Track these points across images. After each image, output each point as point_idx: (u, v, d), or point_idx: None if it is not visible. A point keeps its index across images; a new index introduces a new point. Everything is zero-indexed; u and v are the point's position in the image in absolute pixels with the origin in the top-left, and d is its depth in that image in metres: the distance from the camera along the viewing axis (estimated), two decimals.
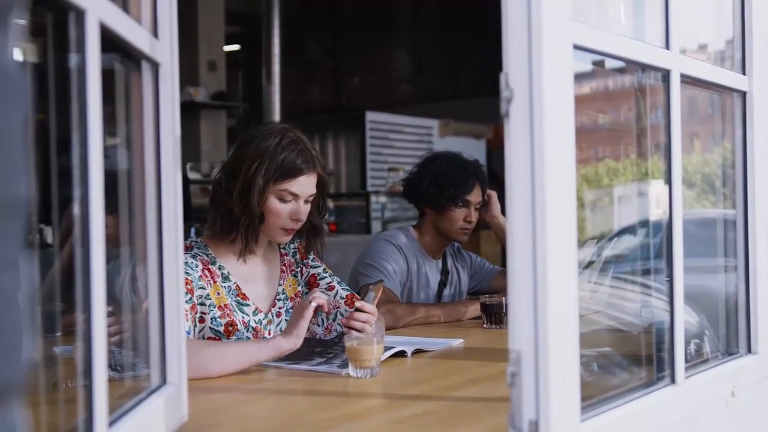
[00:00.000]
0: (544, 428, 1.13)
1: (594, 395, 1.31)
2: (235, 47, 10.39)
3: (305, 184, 2.16)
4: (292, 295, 2.32)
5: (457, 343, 2.29)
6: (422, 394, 1.69)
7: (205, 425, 1.45)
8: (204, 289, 2.10)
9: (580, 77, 1.24)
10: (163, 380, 1.33)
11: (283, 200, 2.15)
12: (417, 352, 2.12)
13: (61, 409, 1.13)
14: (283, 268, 2.32)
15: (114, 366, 1.27)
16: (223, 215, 2.15)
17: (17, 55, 0.59)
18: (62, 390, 1.20)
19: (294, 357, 2.01)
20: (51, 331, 1.83)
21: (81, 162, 0.96)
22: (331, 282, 2.34)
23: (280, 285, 2.30)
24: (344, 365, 1.87)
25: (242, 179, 2.11)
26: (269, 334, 2.22)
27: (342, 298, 2.30)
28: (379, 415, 1.57)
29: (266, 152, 2.12)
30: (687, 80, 1.53)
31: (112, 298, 1.10)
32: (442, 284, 3.07)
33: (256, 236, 2.18)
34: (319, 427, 1.46)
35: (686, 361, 1.50)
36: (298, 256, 2.36)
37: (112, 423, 1.06)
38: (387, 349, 1.99)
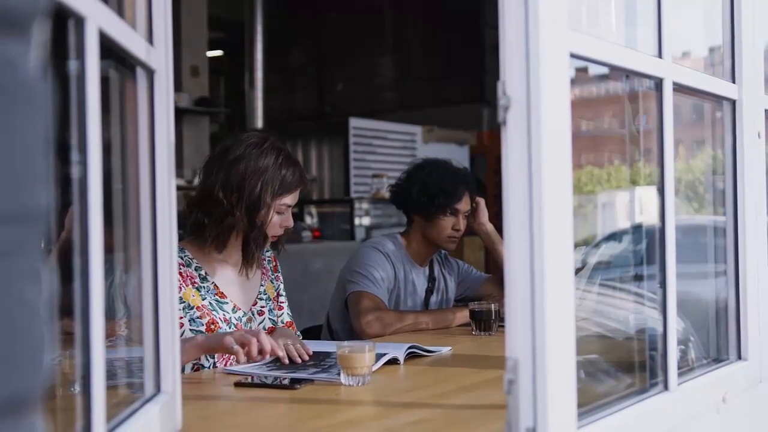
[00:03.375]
0: None
1: (589, 402, 1.31)
2: (218, 53, 10.37)
3: (297, 195, 2.28)
4: (273, 296, 2.40)
5: (446, 350, 2.29)
6: (415, 402, 1.68)
7: None
8: None
9: None
10: (158, 389, 1.32)
11: (279, 212, 2.24)
12: (410, 356, 2.13)
13: (57, 418, 1.12)
14: (264, 270, 2.40)
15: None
16: (227, 230, 2.21)
17: (39, 65, 0.59)
18: (57, 398, 1.19)
19: (289, 368, 2.00)
20: None
21: (81, 168, 0.95)
22: (284, 302, 2.46)
23: (261, 285, 2.37)
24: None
25: (247, 197, 2.17)
26: None
27: (282, 322, 2.38)
28: (373, 422, 1.56)
29: (267, 171, 2.20)
30: (678, 88, 1.54)
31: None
32: (429, 291, 3.07)
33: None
34: None
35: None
36: (271, 266, 2.45)
37: None
38: (379, 357, 1.98)
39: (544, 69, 1.13)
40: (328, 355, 2.13)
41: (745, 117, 1.77)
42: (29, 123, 0.56)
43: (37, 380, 0.55)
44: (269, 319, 2.35)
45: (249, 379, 1.87)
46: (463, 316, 2.77)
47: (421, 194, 2.92)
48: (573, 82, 1.43)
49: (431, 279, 3.08)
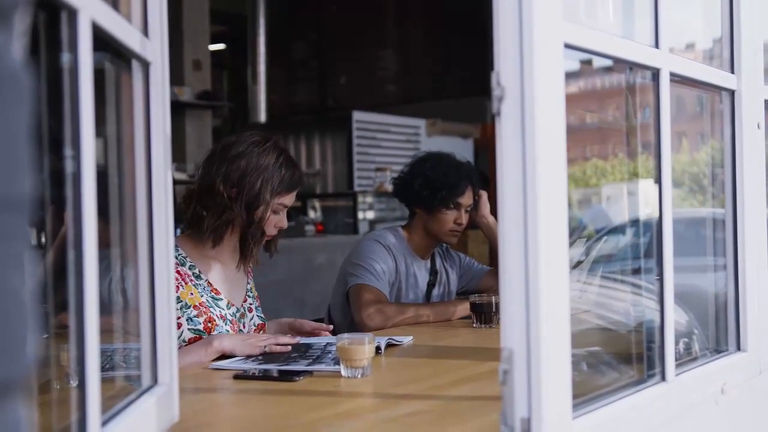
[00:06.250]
0: (536, 426, 1.13)
1: (585, 393, 1.31)
2: (221, 46, 10.37)
3: (294, 196, 2.31)
4: (256, 295, 2.44)
5: (407, 340, 2.31)
6: (414, 393, 1.69)
7: (195, 425, 1.45)
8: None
9: (567, 76, 1.24)
10: (155, 380, 1.33)
11: (275, 212, 2.26)
12: (389, 346, 2.17)
13: (52, 410, 1.12)
14: (249, 269, 2.43)
15: (104, 366, 1.26)
16: (225, 225, 2.22)
17: (21, 54, 0.59)
18: (53, 391, 1.20)
19: (279, 361, 1.98)
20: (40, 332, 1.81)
21: (74, 162, 0.95)
22: (256, 304, 2.45)
23: (248, 283, 2.41)
24: (338, 362, 1.86)
25: (247, 193, 2.20)
26: (243, 327, 2.32)
27: (254, 325, 2.38)
28: (371, 414, 1.56)
29: (268, 169, 2.22)
30: (676, 79, 1.54)
31: (101, 300, 1.10)
32: (431, 284, 3.07)
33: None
34: (311, 426, 1.46)
35: (676, 359, 1.51)
36: (251, 266, 2.46)
37: (104, 423, 1.05)
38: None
39: (538, 59, 1.13)
40: (309, 346, 2.15)
41: (745, 107, 1.76)
42: (13, 112, 0.56)
43: (21, 367, 0.56)
44: (258, 316, 2.39)
45: (247, 372, 1.87)
46: (463, 308, 2.77)
47: (424, 187, 2.91)
48: (577, 74, 1.43)
49: (433, 272, 3.08)
